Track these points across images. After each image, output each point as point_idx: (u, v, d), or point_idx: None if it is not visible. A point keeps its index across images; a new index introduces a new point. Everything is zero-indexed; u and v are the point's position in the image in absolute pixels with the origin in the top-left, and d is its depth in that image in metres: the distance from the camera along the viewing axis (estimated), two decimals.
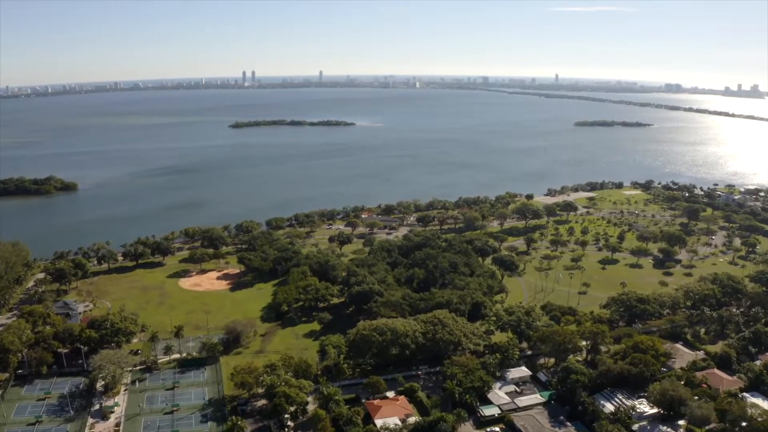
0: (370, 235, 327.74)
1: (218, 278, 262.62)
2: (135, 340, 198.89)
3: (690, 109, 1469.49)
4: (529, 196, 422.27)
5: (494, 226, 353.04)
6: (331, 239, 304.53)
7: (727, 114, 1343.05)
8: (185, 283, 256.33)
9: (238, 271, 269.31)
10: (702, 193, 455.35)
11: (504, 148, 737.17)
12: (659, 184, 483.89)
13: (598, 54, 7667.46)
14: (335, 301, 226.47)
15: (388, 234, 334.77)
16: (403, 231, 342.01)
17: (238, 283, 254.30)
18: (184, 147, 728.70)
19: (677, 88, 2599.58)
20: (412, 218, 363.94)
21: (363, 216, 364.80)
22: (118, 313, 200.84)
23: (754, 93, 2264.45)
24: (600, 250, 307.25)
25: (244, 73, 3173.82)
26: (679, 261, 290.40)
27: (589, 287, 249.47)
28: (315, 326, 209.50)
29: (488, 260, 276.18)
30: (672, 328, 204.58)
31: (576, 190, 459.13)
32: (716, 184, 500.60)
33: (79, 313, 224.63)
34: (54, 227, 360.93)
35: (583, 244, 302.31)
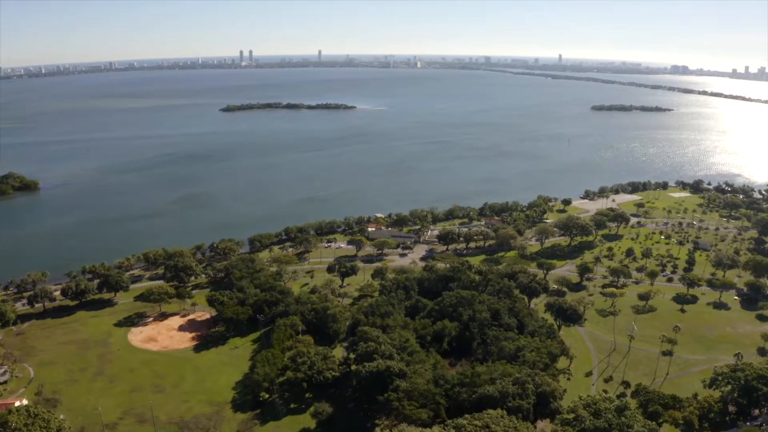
0: (379, 257, 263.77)
1: (181, 327, 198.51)
2: None
3: (704, 93, 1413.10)
4: (566, 201, 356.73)
5: (532, 243, 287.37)
6: (330, 269, 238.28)
7: (743, 98, 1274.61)
8: (136, 336, 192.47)
9: (208, 316, 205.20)
10: (762, 196, 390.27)
11: (525, 136, 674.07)
12: (709, 184, 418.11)
13: (599, 35, 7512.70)
14: (336, 373, 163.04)
15: (402, 255, 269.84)
16: (420, 251, 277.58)
17: (206, 338, 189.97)
18: (166, 134, 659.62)
19: (684, 70, 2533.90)
20: (430, 233, 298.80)
21: (370, 229, 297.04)
22: (23, 409, 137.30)
23: (762, 75, 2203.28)
24: (670, 281, 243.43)
25: (241, 52, 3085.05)
26: None
27: (675, 345, 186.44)
28: (307, 421, 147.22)
29: (537, 300, 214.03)
30: None
31: (617, 191, 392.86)
32: None
33: None
34: None
35: (652, 274, 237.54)
